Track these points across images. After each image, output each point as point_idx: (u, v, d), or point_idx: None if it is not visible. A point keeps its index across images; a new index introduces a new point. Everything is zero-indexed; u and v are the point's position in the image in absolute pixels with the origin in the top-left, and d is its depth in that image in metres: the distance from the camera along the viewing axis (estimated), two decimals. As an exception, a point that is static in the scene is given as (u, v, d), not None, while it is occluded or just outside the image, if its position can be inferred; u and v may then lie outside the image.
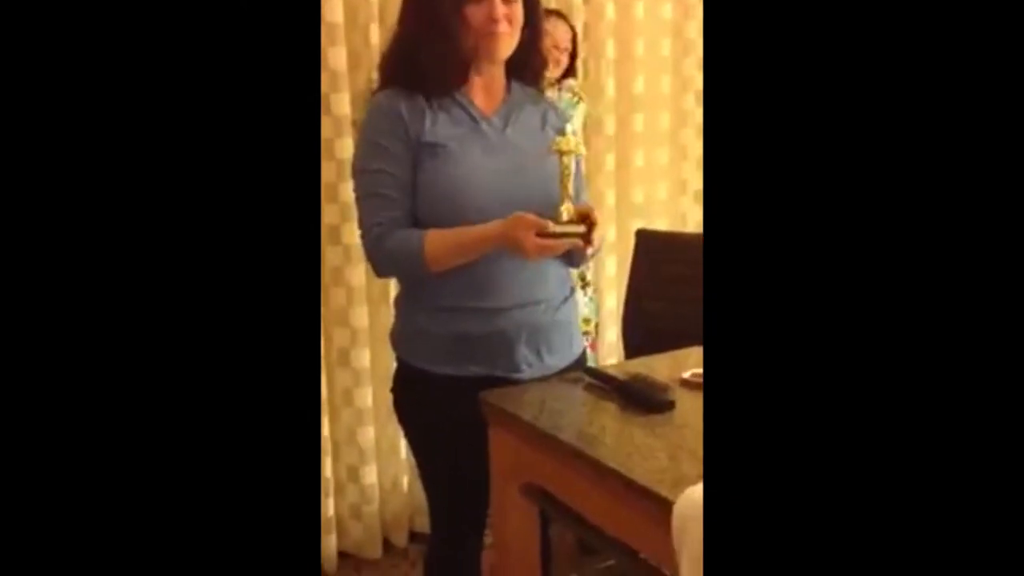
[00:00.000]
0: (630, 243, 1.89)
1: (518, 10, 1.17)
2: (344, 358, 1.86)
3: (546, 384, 1.21)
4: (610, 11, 1.96)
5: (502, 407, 1.14)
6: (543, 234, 1.10)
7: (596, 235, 1.12)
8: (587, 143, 1.99)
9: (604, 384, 1.15)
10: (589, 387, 1.18)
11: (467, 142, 1.18)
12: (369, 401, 1.89)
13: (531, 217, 1.10)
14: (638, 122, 2.07)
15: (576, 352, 1.31)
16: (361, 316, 1.83)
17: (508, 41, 1.18)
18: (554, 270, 1.26)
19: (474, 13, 1.15)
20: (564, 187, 1.12)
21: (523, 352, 1.23)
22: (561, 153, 1.12)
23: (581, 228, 1.11)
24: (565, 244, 1.12)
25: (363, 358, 1.86)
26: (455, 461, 1.26)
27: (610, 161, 2.04)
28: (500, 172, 1.18)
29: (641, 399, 1.08)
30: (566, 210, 1.11)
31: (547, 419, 1.08)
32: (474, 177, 1.16)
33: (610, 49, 1.98)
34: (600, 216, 1.13)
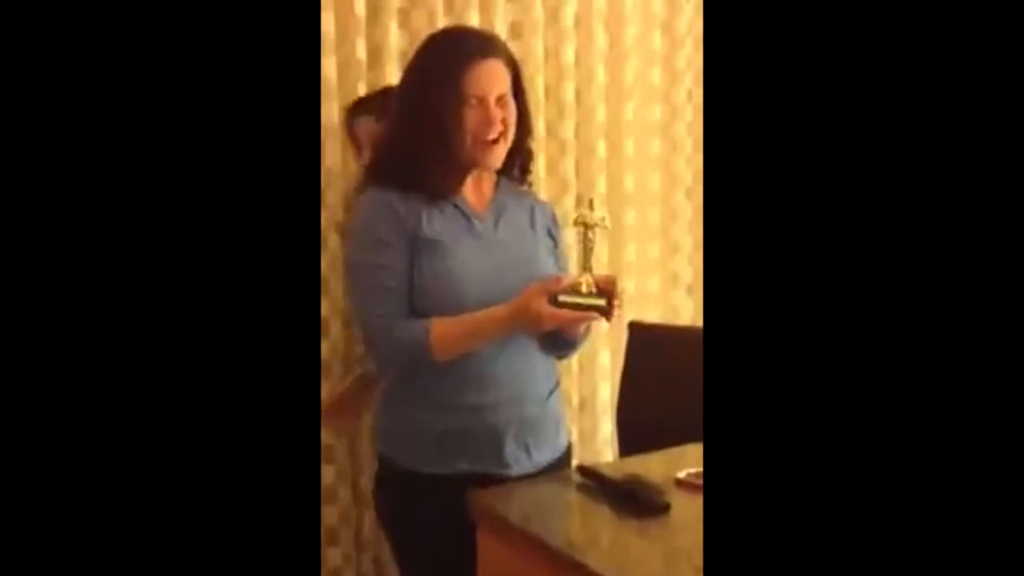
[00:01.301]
0: (622, 334, 1.88)
1: (511, 112, 1.20)
2: (329, 454, 1.81)
3: (537, 484, 1.17)
4: (601, 113, 2.03)
5: (491, 508, 1.10)
6: (559, 303, 1.09)
7: (617, 311, 1.11)
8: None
9: (597, 485, 1.11)
10: (581, 487, 1.14)
11: (462, 239, 1.20)
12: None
13: (540, 284, 1.10)
14: (629, 216, 2.10)
15: (562, 446, 1.29)
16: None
17: (503, 146, 1.21)
18: (541, 363, 1.25)
19: (470, 117, 1.18)
20: (585, 259, 1.12)
21: (511, 448, 1.20)
22: (585, 226, 1.13)
23: (601, 301, 1.09)
24: (582, 315, 1.10)
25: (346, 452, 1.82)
26: (440, 565, 1.20)
27: (604, 253, 2.05)
28: (494, 270, 1.19)
29: (635, 502, 1.04)
30: (585, 282, 1.10)
31: (538, 522, 1.04)
32: (471, 273, 1.17)
33: (601, 148, 2.03)
34: (621, 289, 1.12)
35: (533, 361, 1.23)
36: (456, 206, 1.22)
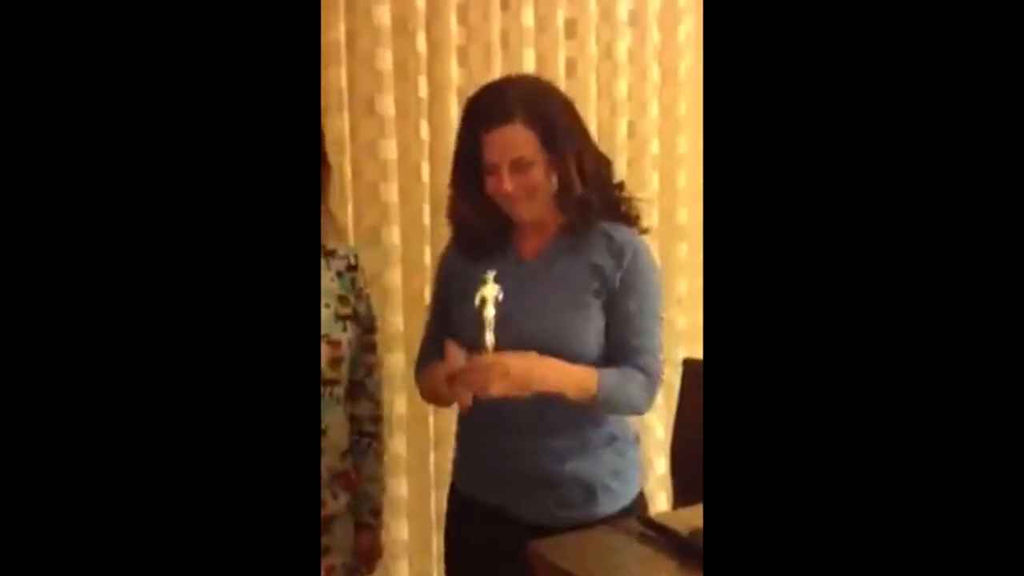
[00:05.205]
0: (676, 370, 1.85)
1: (533, 177, 1.19)
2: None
3: (598, 534, 1.16)
4: (654, 146, 2.02)
5: (552, 559, 1.08)
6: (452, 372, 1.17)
7: (458, 383, 1.15)
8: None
9: (661, 537, 1.09)
10: (644, 539, 1.11)
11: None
12: (405, 535, 1.83)
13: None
14: (682, 251, 2.08)
15: (597, 512, 1.22)
16: (399, 446, 1.80)
17: (528, 206, 1.22)
18: (571, 418, 1.21)
19: (489, 185, 1.22)
20: (481, 326, 1.13)
21: (524, 495, 1.22)
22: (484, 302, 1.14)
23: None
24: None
25: (401, 488, 1.82)
26: None
27: (656, 289, 2.04)
28: (517, 317, 1.17)
29: (702, 557, 1.01)
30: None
31: (602, 577, 1.02)
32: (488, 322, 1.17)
33: (655, 181, 2.02)
34: (495, 367, 1.11)
35: (557, 416, 1.20)
36: (503, 254, 1.26)
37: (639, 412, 1.27)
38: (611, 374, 1.19)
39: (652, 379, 1.22)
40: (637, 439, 1.33)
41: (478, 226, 1.26)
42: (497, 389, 1.12)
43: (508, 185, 1.19)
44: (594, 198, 1.23)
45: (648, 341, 1.22)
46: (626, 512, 1.25)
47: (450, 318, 1.27)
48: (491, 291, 1.14)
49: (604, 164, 1.27)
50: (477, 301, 1.15)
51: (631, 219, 1.28)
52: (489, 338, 1.13)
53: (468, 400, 1.17)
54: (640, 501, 1.30)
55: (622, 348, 1.21)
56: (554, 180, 1.21)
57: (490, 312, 1.13)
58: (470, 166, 1.22)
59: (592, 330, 1.20)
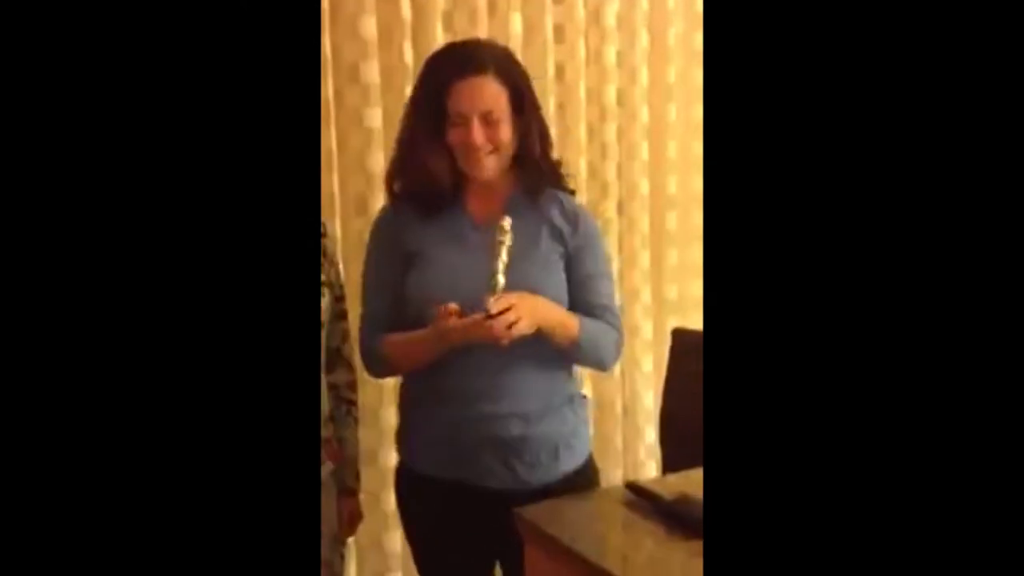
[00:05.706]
0: (665, 340, 1.85)
1: (503, 132, 1.18)
2: (372, 458, 1.81)
3: (585, 500, 1.17)
4: (644, 114, 2.00)
5: (538, 524, 1.08)
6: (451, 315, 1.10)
7: (501, 323, 1.07)
8: (622, 242, 1.99)
9: (647, 503, 1.10)
10: (631, 505, 1.12)
11: (448, 251, 1.20)
12: (394, 505, 1.83)
13: (447, 305, 1.11)
14: (672, 220, 2.07)
15: (564, 469, 1.24)
16: (390, 416, 1.80)
17: (492, 162, 1.20)
18: (536, 381, 1.22)
19: (454, 136, 1.18)
20: (492, 270, 1.11)
21: (488, 463, 1.21)
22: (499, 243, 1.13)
23: (478, 316, 1.09)
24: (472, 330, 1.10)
25: (391, 459, 1.82)
26: (441, 564, 1.27)
27: (645, 259, 2.03)
28: (475, 279, 1.14)
29: (689, 522, 1.02)
30: (493, 298, 1.10)
31: (587, 542, 1.02)
32: (451, 284, 1.16)
33: (644, 151, 2.00)
34: (517, 305, 1.09)
35: (522, 379, 1.20)
36: (454, 216, 1.23)
37: (606, 367, 1.30)
38: (590, 321, 1.22)
39: (620, 336, 1.26)
40: (585, 398, 1.35)
41: (434, 181, 1.20)
42: (526, 324, 1.11)
43: (478, 136, 1.16)
44: (545, 165, 1.25)
45: (610, 300, 1.27)
46: (581, 470, 1.27)
47: (415, 280, 1.20)
48: (508, 238, 1.13)
49: (549, 138, 1.28)
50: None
51: (571, 192, 1.31)
52: (501, 280, 1.11)
53: (503, 337, 1.10)
54: (592, 459, 1.31)
55: (587, 307, 1.23)
56: (517, 140, 1.21)
57: (504, 259, 1.12)
58: (432, 117, 1.18)
59: (561, 288, 1.23)
